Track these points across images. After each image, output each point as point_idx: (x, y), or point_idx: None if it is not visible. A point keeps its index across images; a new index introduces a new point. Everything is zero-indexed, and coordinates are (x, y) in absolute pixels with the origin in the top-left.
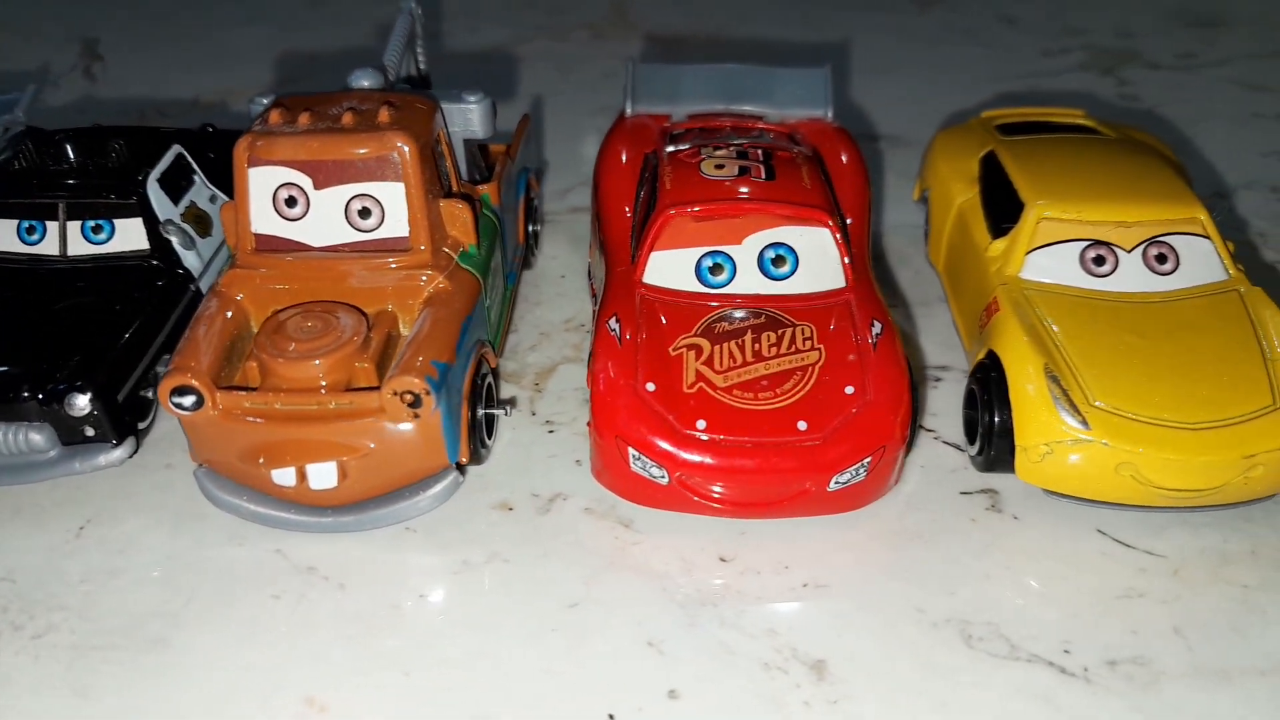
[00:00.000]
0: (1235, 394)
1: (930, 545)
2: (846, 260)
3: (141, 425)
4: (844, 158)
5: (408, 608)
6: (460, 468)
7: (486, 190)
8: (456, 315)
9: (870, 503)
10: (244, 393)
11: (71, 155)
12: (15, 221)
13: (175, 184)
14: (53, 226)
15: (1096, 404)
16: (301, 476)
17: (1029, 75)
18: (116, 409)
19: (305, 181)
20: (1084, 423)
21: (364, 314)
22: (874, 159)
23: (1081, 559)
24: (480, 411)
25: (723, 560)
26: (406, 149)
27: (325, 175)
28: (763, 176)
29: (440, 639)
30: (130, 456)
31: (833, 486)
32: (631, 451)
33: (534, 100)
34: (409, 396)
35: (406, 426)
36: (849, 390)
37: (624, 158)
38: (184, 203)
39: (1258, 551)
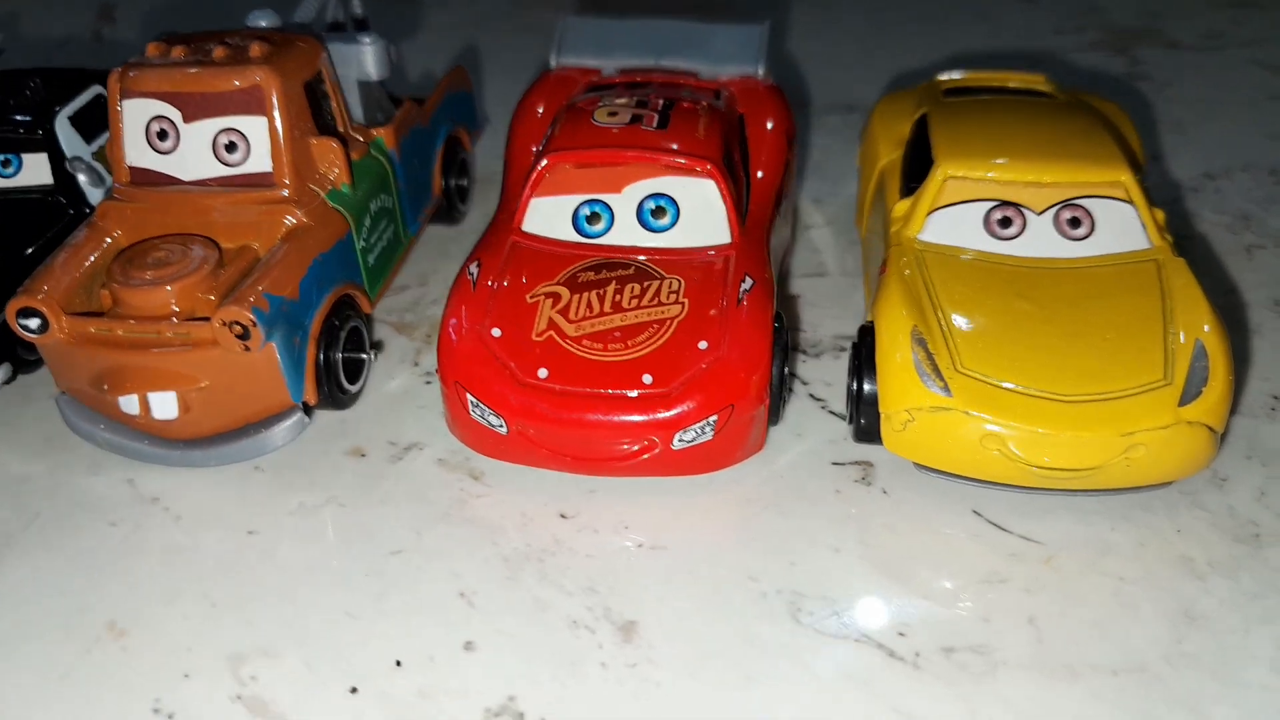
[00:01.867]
0: (1123, 367)
1: (784, 514)
2: (733, 215)
3: (32, 357)
4: (769, 119)
5: (232, 544)
6: (308, 409)
7: (380, 134)
8: (307, 251)
9: (724, 467)
10: (89, 318)
11: None
12: None
13: (91, 123)
14: None
15: (963, 370)
16: (144, 405)
17: (1035, 52)
18: None
19: (175, 115)
20: (945, 389)
21: (218, 247)
22: (850, 129)
23: (947, 539)
24: (337, 354)
25: (563, 517)
26: (270, 84)
27: (193, 108)
28: (654, 125)
29: (252, 576)
30: (7, 380)
31: (677, 445)
32: (470, 398)
33: (469, 54)
34: (237, 328)
35: (242, 359)
36: (702, 345)
37: (540, 111)
38: (99, 141)
39: (1145, 544)
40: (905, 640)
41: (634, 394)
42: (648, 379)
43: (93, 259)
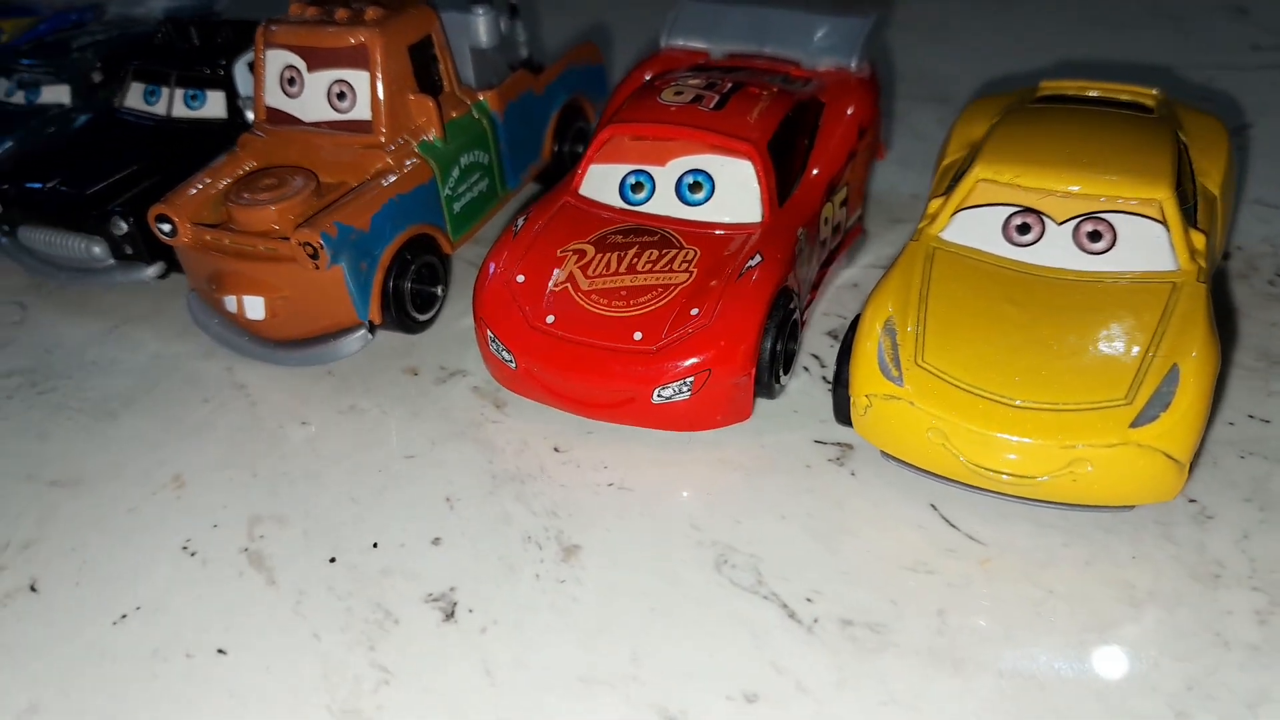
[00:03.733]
0: (1085, 382)
1: (749, 479)
2: (767, 197)
3: None
4: (849, 107)
5: (287, 430)
6: (373, 327)
7: (485, 97)
8: (386, 191)
9: (702, 428)
10: (208, 228)
11: (195, 38)
12: (142, 85)
13: None
14: (164, 91)
15: (922, 364)
16: (240, 305)
17: (1215, 67)
18: (150, 235)
19: (301, 65)
20: (899, 379)
21: (317, 179)
22: None
23: (893, 525)
24: (406, 284)
25: (556, 450)
26: (375, 44)
27: (315, 60)
28: (711, 106)
29: (292, 457)
30: (161, 276)
31: (656, 399)
32: (489, 334)
33: (597, 29)
34: (309, 248)
35: (314, 276)
36: (694, 312)
37: (645, 81)
38: None
39: (1091, 564)
40: (810, 606)
41: (624, 348)
42: (638, 336)
43: (226, 181)
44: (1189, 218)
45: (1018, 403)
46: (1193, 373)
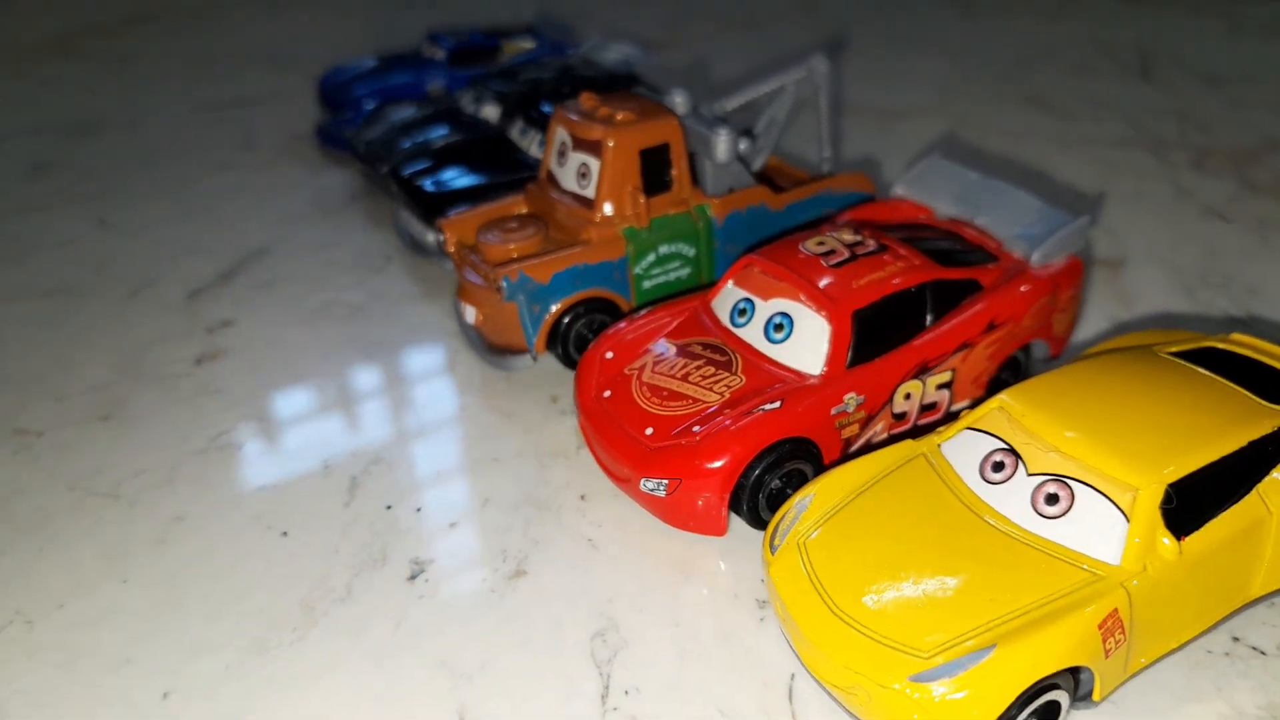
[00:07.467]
0: (913, 622)
1: (684, 575)
2: (834, 358)
3: None
4: (990, 300)
5: (441, 406)
6: (535, 355)
7: (710, 203)
8: (575, 257)
9: (677, 526)
10: (466, 246)
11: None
12: (520, 121)
13: None
14: (531, 132)
15: (801, 544)
16: (464, 310)
17: None
18: None
19: (569, 143)
20: (774, 548)
21: (547, 231)
22: None
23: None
24: (571, 330)
25: (582, 499)
26: (608, 141)
27: (575, 143)
28: (834, 263)
29: (429, 421)
30: None
31: (643, 487)
32: (574, 392)
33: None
34: (499, 281)
35: (501, 305)
36: (696, 429)
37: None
38: None
39: None
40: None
41: (634, 438)
42: (649, 431)
43: (499, 215)
44: (1182, 518)
45: (843, 615)
46: (1006, 659)
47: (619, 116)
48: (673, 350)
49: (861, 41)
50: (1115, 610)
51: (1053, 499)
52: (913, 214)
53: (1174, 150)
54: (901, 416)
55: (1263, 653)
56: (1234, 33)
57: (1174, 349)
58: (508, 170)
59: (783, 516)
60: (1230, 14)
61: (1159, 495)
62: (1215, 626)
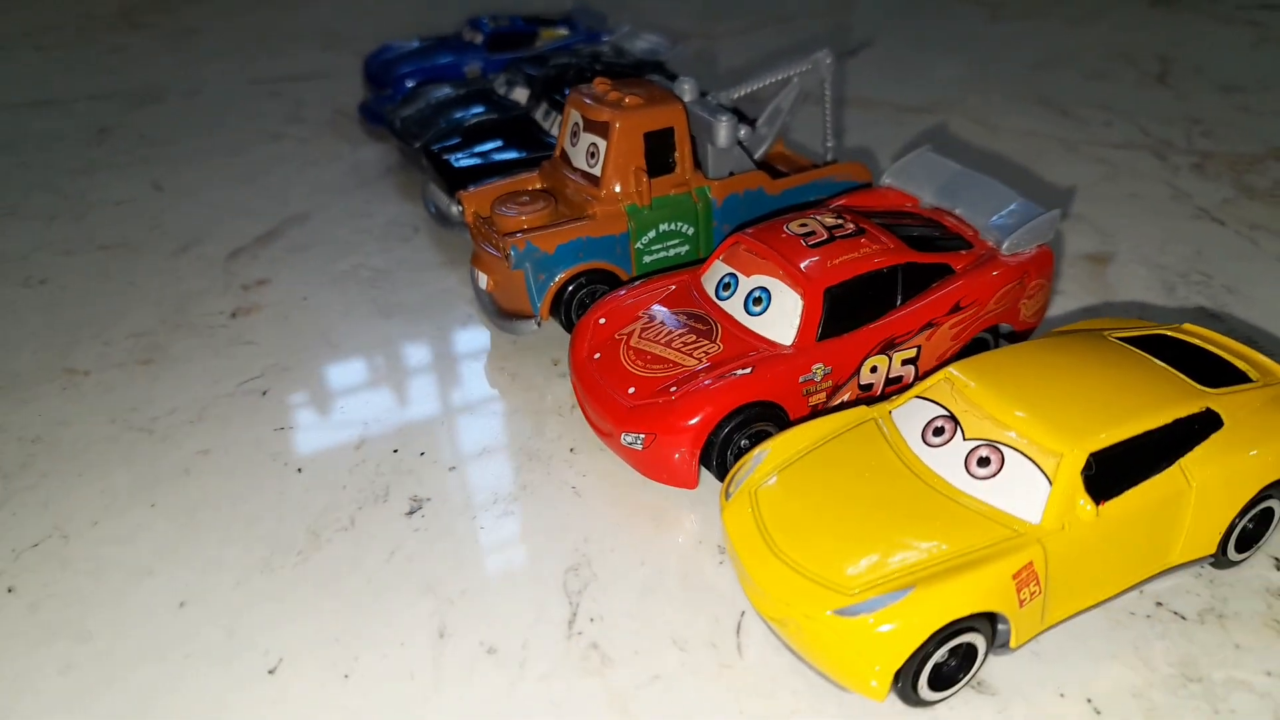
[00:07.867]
0: (842, 564)
1: (654, 521)
2: (804, 329)
3: None
4: (958, 283)
5: (445, 367)
6: (539, 321)
7: (709, 185)
8: (576, 230)
9: (653, 479)
10: (481, 218)
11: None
12: (545, 105)
13: None
14: (553, 115)
15: (753, 493)
16: (477, 275)
17: None
18: None
19: (581, 124)
20: (728, 495)
21: (556, 205)
22: None
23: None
24: (573, 297)
25: (571, 451)
26: (615, 123)
27: (586, 125)
28: (813, 243)
29: (436, 378)
30: None
31: (623, 440)
32: (569, 353)
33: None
34: (507, 249)
35: (509, 271)
36: (672, 389)
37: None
38: None
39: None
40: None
41: (617, 395)
42: (631, 390)
43: (515, 188)
44: (1103, 484)
45: (779, 553)
46: (922, 600)
47: (626, 101)
48: (660, 318)
49: (889, 40)
50: (1030, 563)
51: (984, 462)
52: (899, 202)
53: (1177, 154)
54: (868, 388)
55: (1183, 617)
56: (1260, 43)
57: (1125, 334)
58: (531, 149)
59: (740, 468)
60: (1260, 23)
61: (1081, 462)
62: (1136, 588)
